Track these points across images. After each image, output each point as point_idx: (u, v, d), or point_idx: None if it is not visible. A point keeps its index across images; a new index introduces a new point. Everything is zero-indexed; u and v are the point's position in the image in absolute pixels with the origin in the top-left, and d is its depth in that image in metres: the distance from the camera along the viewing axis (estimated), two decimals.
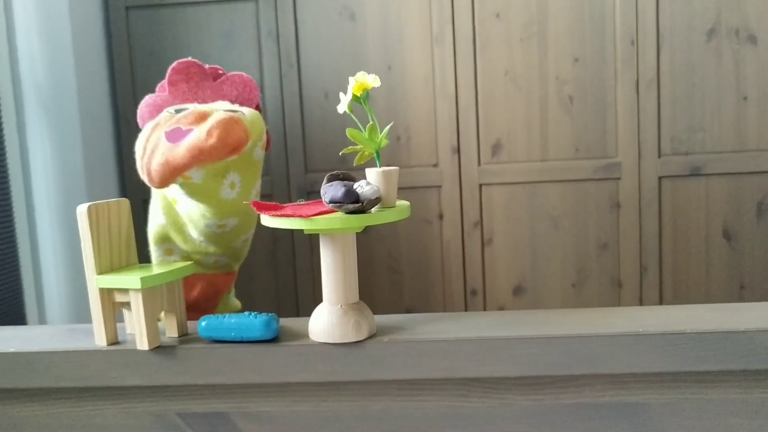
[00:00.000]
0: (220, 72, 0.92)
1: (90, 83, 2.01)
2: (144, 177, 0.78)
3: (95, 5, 2.06)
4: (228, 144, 0.76)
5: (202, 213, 0.85)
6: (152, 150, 0.77)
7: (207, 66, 0.91)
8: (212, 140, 0.76)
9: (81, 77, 1.96)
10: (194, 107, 0.83)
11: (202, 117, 0.80)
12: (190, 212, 0.86)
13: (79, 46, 1.95)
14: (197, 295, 0.93)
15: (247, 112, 0.84)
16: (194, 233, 0.88)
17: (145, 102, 0.90)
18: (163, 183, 0.76)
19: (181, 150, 0.76)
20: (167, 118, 0.81)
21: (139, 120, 0.91)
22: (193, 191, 0.82)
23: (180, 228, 0.89)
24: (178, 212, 0.89)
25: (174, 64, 0.89)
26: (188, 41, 2.08)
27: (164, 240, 0.91)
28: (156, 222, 0.91)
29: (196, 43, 2.08)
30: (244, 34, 2.07)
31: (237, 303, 1.03)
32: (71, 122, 1.92)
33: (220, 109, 0.83)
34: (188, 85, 0.89)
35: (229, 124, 0.78)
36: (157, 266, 0.82)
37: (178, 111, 0.83)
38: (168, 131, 0.78)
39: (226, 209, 0.85)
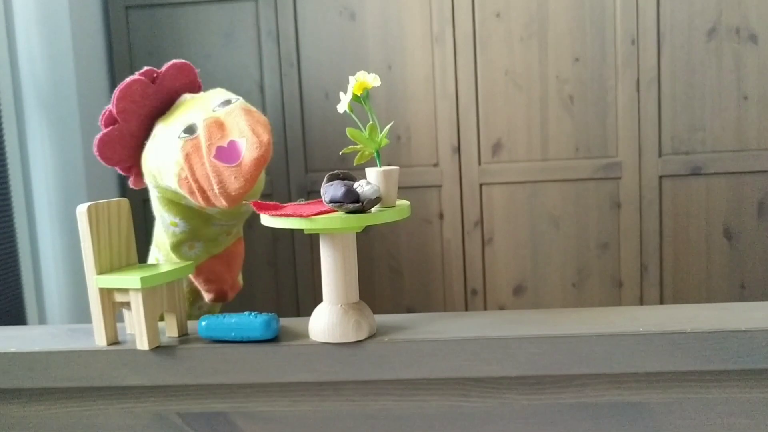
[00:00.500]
0: (155, 74, 0.91)
1: (90, 83, 2.01)
2: (219, 203, 0.79)
3: (95, 5, 2.06)
4: (269, 129, 0.80)
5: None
6: (218, 178, 0.78)
7: (139, 73, 0.90)
8: (265, 137, 0.79)
9: (81, 77, 1.96)
10: (200, 119, 0.83)
11: (218, 123, 0.82)
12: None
13: (78, 45, 1.95)
14: (234, 271, 0.97)
15: (237, 102, 0.85)
16: (224, 218, 0.90)
17: (101, 140, 0.88)
18: (246, 194, 0.80)
19: (249, 163, 0.78)
20: (193, 144, 0.81)
21: (103, 160, 0.89)
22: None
23: (207, 221, 0.91)
24: (207, 212, 0.90)
25: (116, 94, 0.88)
26: (188, 41, 2.08)
27: (186, 241, 0.92)
28: (179, 230, 0.91)
29: (196, 43, 2.08)
30: (244, 34, 2.06)
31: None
32: (71, 122, 1.92)
33: (215, 105, 0.84)
34: (135, 104, 0.89)
35: (253, 115, 0.80)
36: (157, 266, 0.82)
37: (186, 131, 0.83)
38: (214, 155, 0.79)
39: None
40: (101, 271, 0.79)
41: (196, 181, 0.81)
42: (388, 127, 0.80)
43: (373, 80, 0.77)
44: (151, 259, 1.02)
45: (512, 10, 1.97)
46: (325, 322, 0.75)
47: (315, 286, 2.12)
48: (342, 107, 0.78)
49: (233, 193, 0.78)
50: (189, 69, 0.94)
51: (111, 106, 0.88)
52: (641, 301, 2.01)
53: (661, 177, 1.96)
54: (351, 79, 0.77)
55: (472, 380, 0.76)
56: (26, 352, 0.79)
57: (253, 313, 0.77)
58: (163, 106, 0.91)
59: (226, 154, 0.80)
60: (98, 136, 0.89)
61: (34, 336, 0.85)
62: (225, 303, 0.99)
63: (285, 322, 0.84)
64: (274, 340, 0.77)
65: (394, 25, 2.01)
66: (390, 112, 2.04)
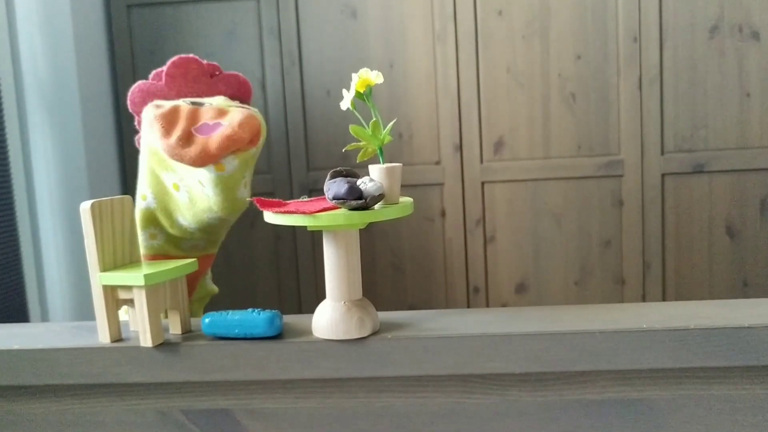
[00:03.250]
0: (218, 72, 0.94)
1: (92, 81, 2.01)
2: (165, 144, 0.81)
3: (97, 3, 2.06)
4: (253, 138, 0.83)
5: (210, 206, 0.86)
6: (183, 133, 0.80)
7: (206, 63, 0.93)
8: (244, 133, 0.81)
9: (83, 75, 1.96)
10: (209, 102, 0.86)
11: (222, 112, 0.83)
12: (196, 201, 0.87)
13: (80, 44, 1.95)
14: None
15: (252, 110, 0.86)
16: (185, 221, 0.89)
17: (139, 87, 0.91)
18: (197, 164, 0.81)
19: (216, 137, 0.80)
20: (190, 108, 0.84)
21: (129, 103, 0.92)
22: (219, 182, 0.84)
23: (169, 213, 0.91)
24: (174, 198, 0.89)
25: (175, 58, 0.91)
26: (190, 39, 2.08)
27: (151, 223, 0.92)
28: (144, 205, 0.92)
29: (198, 41, 2.08)
30: (246, 32, 2.06)
31: (214, 287, 1.04)
32: (73, 120, 1.92)
33: (234, 105, 0.86)
34: (185, 80, 0.92)
35: (251, 119, 0.82)
36: (161, 263, 0.82)
37: (194, 103, 0.86)
38: (197, 128, 0.82)
39: (236, 206, 0.87)
40: (105, 269, 0.79)
41: (169, 122, 0.82)
42: (391, 124, 0.80)
43: (376, 77, 0.77)
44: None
45: (514, 8, 1.97)
46: (328, 319, 0.75)
47: (317, 283, 2.12)
48: (345, 104, 0.78)
49: (184, 157, 0.79)
50: (247, 87, 0.97)
51: (164, 67, 0.91)
52: (644, 299, 2.01)
53: (663, 175, 1.96)
54: (354, 76, 0.77)
55: (475, 377, 0.76)
56: (30, 349, 0.80)
57: (256, 310, 0.77)
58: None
59: (206, 129, 0.82)
60: (140, 82, 0.91)
61: (37, 333, 0.85)
62: None
63: (288, 319, 0.84)
64: (277, 337, 0.77)
65: (395, 23, 2.01)
66: (392, 110, 2.04)
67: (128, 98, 0.92)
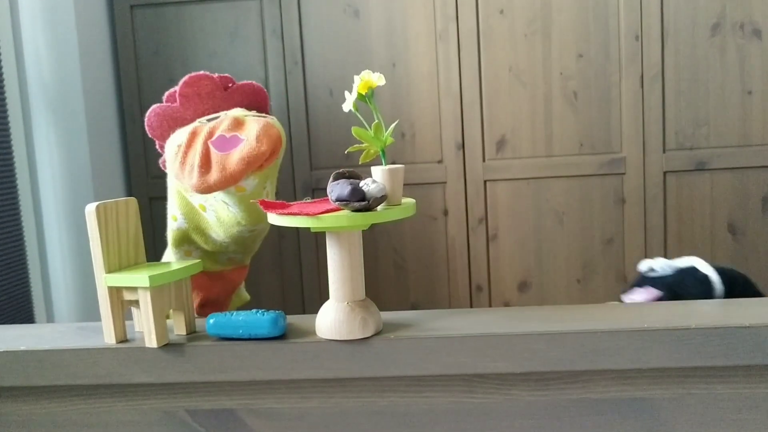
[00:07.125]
0: (231, 84, 0.94)
1: (95, 82, 2.02)
2: (189, 182, 0.81)
3: (100, 4, 2.07)
4: (275, 150, 0.81)
5: (238, 220, 0.87)
6: (202, 161, 0.80)
7: (217, 76, 0.92)
8: (264, 147, 0.79)
9: (86, 76, 1.96)
10: (225, 114, 0.86)
11: (239, 123, 0.83)
12: (223, 219, 0.88)
13: (84, 44, 1.96)
14: (217, 292, 0.97)
15: (269, 118, 0.86)
16: (219, 237, 0.90)
17: (155, 111, 0.91)
18: (221, 188, 0.80)
19: (234, 159, 0.79)
20: (205, 127, 0.84)
21: (147, 128, 0.91)
22: (242, 200, 0.84)
23: (202, 231, 0.92)
24: (203, 217, 0.90)
25: (186, 77, 0.90)
26: (193, 39, 2.09)
27: (184, 242, 0.94)
28: (176, 226, 0.93)
29: (201, 41, 2.09)
30: (249, 32, 2.07)
31: (246, 295, 1.06)
32: (77, 121, 1.93)
33: (250, 115, 0.86)
34: (199, 97, 0.91)
35: (269, 128, 0.82)
36: (165, 265, 0.83)
37: (210, 120, 0.85)
38: (214, 141, 0.82)
39: (261, 216, 0.87)
40: (110, 270, 0.79)
41: (185, 153, 0.82)
42: (393, 125, 0.81)
43: (378, 79, 0.77)
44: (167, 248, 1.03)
45: (516, 7, 1.97)
46: (331, 320, 0.76)
47: (320, 283, 2.13)
48: (347, 106, 0.78)
49: (206, 183, 0.79)
50: (263, 95, 0.96)
51: (177, 87, 0.90)
52: None
53: (665, 172, 1.96)
54: (356, 78, 0.77)
55: (478, 376, 0.76)
56: (36, 350, 0.80)
57: (260, 311, 0.78)
58: None
59: (223, 142, 0.81)
60: (155, 106, 0.91)
61: (43, 334, 0.85)
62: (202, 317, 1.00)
63: (292, 319, 0.85)
64: (281, 337, 0.78)
65: (398, 23, 2.01)
66: (394, 110, 2.04)
67: (146, 123, 0.92)
